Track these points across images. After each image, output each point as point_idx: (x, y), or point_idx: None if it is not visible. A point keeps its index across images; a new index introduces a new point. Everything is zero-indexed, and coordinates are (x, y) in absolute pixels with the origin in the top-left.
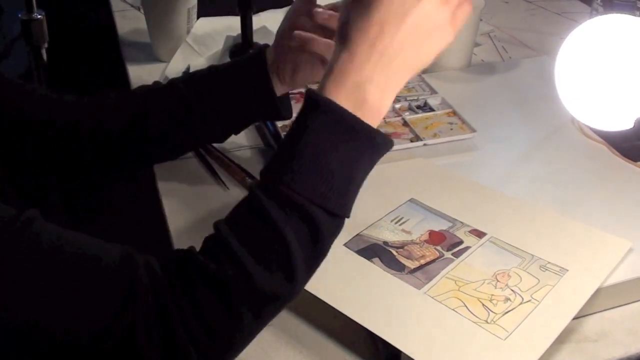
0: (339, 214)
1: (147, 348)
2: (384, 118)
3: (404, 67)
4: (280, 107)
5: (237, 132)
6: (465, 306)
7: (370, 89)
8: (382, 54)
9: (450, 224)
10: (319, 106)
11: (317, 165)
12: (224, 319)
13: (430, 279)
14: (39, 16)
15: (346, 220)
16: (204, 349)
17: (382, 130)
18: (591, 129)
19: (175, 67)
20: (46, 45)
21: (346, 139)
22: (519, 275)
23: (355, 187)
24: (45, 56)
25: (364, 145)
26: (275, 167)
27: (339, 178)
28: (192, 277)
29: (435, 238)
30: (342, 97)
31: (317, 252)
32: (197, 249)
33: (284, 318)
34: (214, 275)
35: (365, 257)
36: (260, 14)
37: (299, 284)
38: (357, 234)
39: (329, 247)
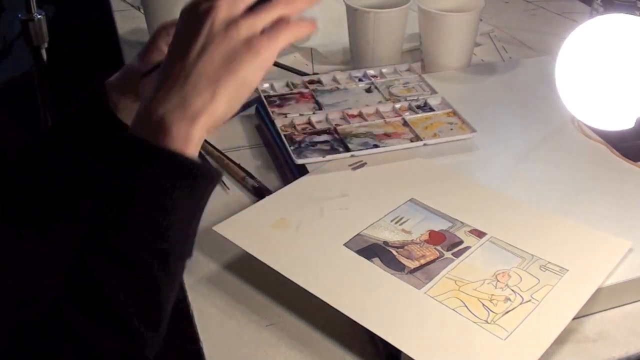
0: (159, 253)
1: None
2: (384, 118)
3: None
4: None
5: None
6: (465, 306)
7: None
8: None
9: (450, 224)
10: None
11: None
12: None
13: (430, 279)
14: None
15: (346, 220)
16: None
17: (382, 130)
18: (591, 128)
19: None
20: (46, 45)
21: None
22: (519, 275)
23: (174, 222)
24: (45, 56)
25: (172, 173)
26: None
27: (148, 214)
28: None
29: (435, 238)
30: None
31: (155, 300)
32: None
33: (284, 318)
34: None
35: (365, 257)
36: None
37: (144, 339)
38: (357, 234)
39: (173, 289)
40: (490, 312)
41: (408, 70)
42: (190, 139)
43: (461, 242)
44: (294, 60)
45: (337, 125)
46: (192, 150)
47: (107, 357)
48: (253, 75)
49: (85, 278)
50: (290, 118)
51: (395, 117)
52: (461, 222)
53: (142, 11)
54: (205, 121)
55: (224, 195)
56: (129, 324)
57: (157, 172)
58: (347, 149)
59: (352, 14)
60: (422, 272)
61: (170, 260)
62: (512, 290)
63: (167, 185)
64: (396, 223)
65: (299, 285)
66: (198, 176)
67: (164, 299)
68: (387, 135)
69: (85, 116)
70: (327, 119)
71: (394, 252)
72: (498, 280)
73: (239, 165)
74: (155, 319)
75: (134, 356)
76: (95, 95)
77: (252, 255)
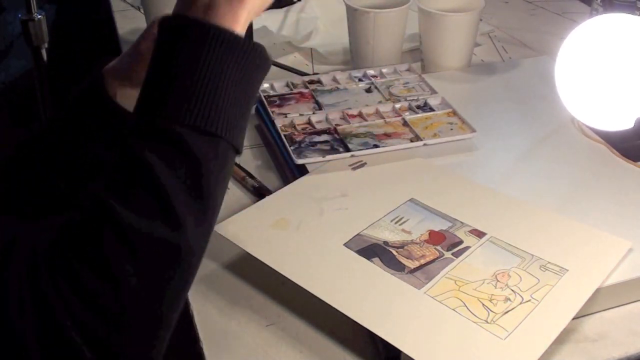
0: (208, 129)
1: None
2: (384, 118)
3: None
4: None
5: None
6: (465, 306)
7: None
8: None
9: (450, 224)
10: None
11: (170, 82)
12: (105, 287)
13: (430, 279)
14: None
15: (346, 220)
16: (93, 333)
17: (382, 130)
18: (591, 128)
19: None
20: (46, 45)
21: (199, 45)
22: (519, 275)
23: (225, 100)
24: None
25: (224, 49)
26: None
27: (198, 87)
28: (67, 253)
29: (435, 238)
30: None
31: (201, 182)
32: None
33: (284, 318)
34: (85, 237)
35: (365, 257)
36: (260, 14)
37: (189, 228)
38: (357, 234)
39: (221, 180)
40: (490, 312)
41: (408, 70)
42: (237, 19)
43: (461, 242)
44: (294, 60)
45: (337, 125)
46: (240, 30)
47: (150, 247)
48: None
49: (131, 165)
50: (290, 118)
51: (395, 117)
52: (461, 222)
53: (142, 11)
54: (251, 5)
55: None
56: (175, 210)
57: (208, 47)
58: (347, 149)
59: (352, 14)
60: (422, 272)
61: (221, 144)
62: (512, 290)
63: (218, 59)
64: (396, 223)
65: (299, 285)
66: (248, 51)
67: (213, 186)
68: (387, 135)
69: (84, 104)
70: (327, 119)
71: (394, 252)
72: (498, 280)
73: (239, 165)
74: (202, 208)
75: (178, 249)
76: (94, 83)
77: (252, 255)
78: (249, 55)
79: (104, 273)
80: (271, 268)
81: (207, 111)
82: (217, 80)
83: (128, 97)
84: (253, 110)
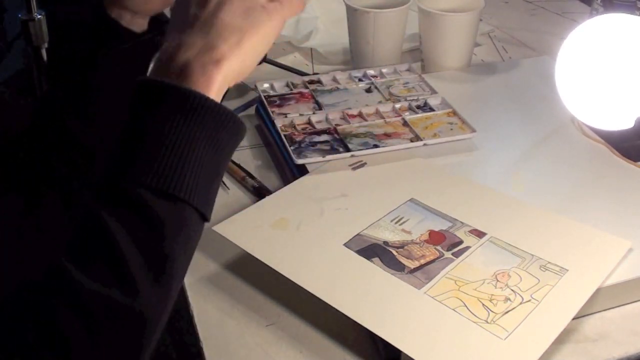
0: (171, 192)
1: None
2: (384, 118)
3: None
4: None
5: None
6: (465, 306)
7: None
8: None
9: (450, 224)
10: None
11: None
12: (56, 354)
13: (430, 279)
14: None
15: (346, 220)
16: None
17: (382, 130)
18: (591, 128)
19: None
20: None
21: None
22: (519, 275)
23: (192, 164)
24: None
25: (194, 114)
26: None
27: (163, 150)
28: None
29: (435, 238)
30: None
31: (161, 247)
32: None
33: (284, 318)
34: (39, 302)
35: (365, 257)
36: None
37: (145, 294)
38: (357, 234)
39: (184, 245)
40: (490, 312)
41: (408, 70)
42: (211, 84)
43: (461, 242)
44: (294, 60)
45: (337, 125)
46: (213, 95)
47: (104, 312)
48: (271, 32)
49: (91, 228)
50: (290, 118)
51: (395, 117)
52: (461, 222)
53: None
54: (230, 67)
55: (224, 195)
56: (131, 276)
57: (177, 112)
58: (347, 149)
59: (352, 14)
60: (422, 272)
61: (186, 209)
62: (512, 290)
63: (187, 124)
64: (396, 223)
65: (299, 285)
66: (220, 117)
67: (175, 252)
68: (387, 135)
69: (89, 27)
70: (327, 119)
71: (394, 252)
72: (498, 280)
73: (239, 165)
74: (161, 273)
75: (133, 314)
76: (97, 8)
77: (252, 255)
78: (221, 121)
79: (54, 340)
80: (271, 268)
81: (172, 174)
82: (184, 144)
83: (128, 23)
84: (253, 110)
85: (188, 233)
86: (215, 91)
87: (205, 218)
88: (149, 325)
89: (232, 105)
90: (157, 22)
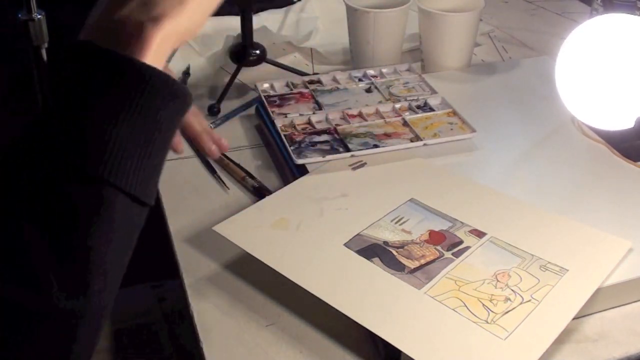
0: (86, 171)
1: None
2: (384, 118)
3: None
4: None
5: None
6: (465, 306)
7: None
8: None
9: (450, 224)
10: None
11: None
12: None
13: (430, 279)
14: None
15: (346, 220)
16: None
17: (382, 130)
18: (591, 128)
19: (175, 67)
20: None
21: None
22: (519, 275)
23: (113, 136)
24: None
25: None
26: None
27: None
28: None
29: (435, 238)
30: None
31: (75, 236)
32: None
33: (284, 318)
34: None
35: (365, 257)
36: (260, 14)
37: (56, 294)
38: (357, 234)
39: (109, 233)
40: (490, 312)
41: (408, 70)
42: (149, 44)
43: (461, 242)
44: (294, 60)
45: (337, 125)
46: (150, 58)
47: (16, 320)
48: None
49: (4, 231)
50: (290, 118)
51: (395, 117)
52: (461, 222)
53: None
54: (171, 27)
55: (224, 195)
56: (36, 271)
57: (101, 75)
58: (347, 149)
59: (352, 14)
60: (422, 272)
61: (105, 190)
62: (512, 290)
63: (106, 90)
64: (396, 223)
65: (299, 285)
66: (152, 83)
67: (93, 241)
68: (387, 135)
69: None
70: (327, 119)
71: (394, 252)
72: (498, 280)
73: (239, 165)
74: (76, 268)
75: (44, 314)
76: None
77: (252, 255)
78: (153, 86)
79: None
80: (271, 268)
81: (86, 151)
82: (103, 114)
83: None
84: (253, 110)
85: (111, 218)
86: (151, 54)
87: (139, 201)
88: (66, 325)
89: (232, 105)
90: None
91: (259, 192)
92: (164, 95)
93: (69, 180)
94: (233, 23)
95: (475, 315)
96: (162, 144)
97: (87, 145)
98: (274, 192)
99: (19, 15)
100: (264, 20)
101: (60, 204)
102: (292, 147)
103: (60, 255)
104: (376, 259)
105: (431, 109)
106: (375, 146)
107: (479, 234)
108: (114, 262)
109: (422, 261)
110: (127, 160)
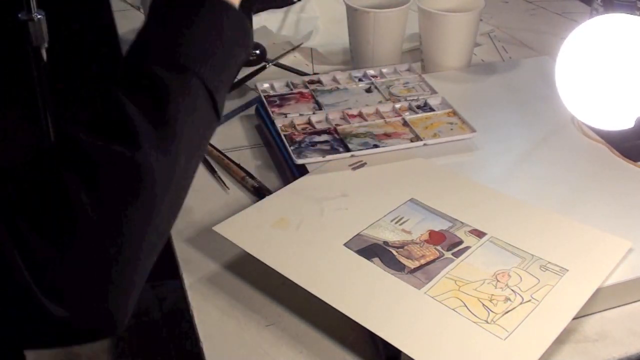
0: (176, 60)
1: None
2: (384, 118)
3: None
4: None
5: None
6: (465, 306)
7: None
8: None
9: (450, 224)
10: None
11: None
12: (56, 215)
13: (430, 279)
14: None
15: (346, 220)
16: (35, 254)
17: (382, 130)
18: (591, 128)
19: None
20: (46, 45)
21: None
22: (519, 275)
23: (199, 33)
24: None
25: None
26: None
27: (170, 22)
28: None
29: (435, 238)
30: None
31: (165, 110)
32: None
33: (284, 318)
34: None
35: (365, 257)
36: (260, 14)
37: (149, 150)
38: (357, 234)
39: (191, 115)
40: (490, 312)
41: (408, 70)
42: None
43: (461, 242)
44: (294, 60)
45: (337, 125)
46: None
47: (107, 166)
48: None
49: (108, 105)
50: (290, 118)
51: (395, 117)
52: (461, 222)
53: (142, 11)
54: None
55: (224, 195)
56: (134, 130)
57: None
58: (347, 149)
59: (352, 14)
60: (422, 272)
61: (192, 80)
62: (512, 290)
63: (207, 14)
64: (396, 223)
65: (299, 285)
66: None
67: (178, 117)
68: (387, 135)
69: None
70: (327, 119)
71: (394, 252)
72: (498, 280)
73: (239, 165)
74: (165, 135)
75: (137, 167)
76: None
77: (252, 255)
78: (236, 17)
79: (57, 199)
80: (271, 268)
81: (179, 47)
82: (202, 27)
83: None
84: (253, 110)
85: (194, 102)
86: None
87: (213, 99)
88: (147, 181)
89: (232, 105)
90: None
91: (259, 192)
92: (235, 22)
93: (167, 71)
94: None
95: (475, 315)
96: (236, 67)
97: (181, 44)
98: (274, 192)
99: (19, 15)
100: (264, 20)
101: (154, 85)
102: (292, 147)
103: (153, 122)
104: (376, 259)
105: (431, 109)
106: (375, 146)
107: (479, 234)
108: (192, 143)
109: (422, 261)
110: (212, 63)
